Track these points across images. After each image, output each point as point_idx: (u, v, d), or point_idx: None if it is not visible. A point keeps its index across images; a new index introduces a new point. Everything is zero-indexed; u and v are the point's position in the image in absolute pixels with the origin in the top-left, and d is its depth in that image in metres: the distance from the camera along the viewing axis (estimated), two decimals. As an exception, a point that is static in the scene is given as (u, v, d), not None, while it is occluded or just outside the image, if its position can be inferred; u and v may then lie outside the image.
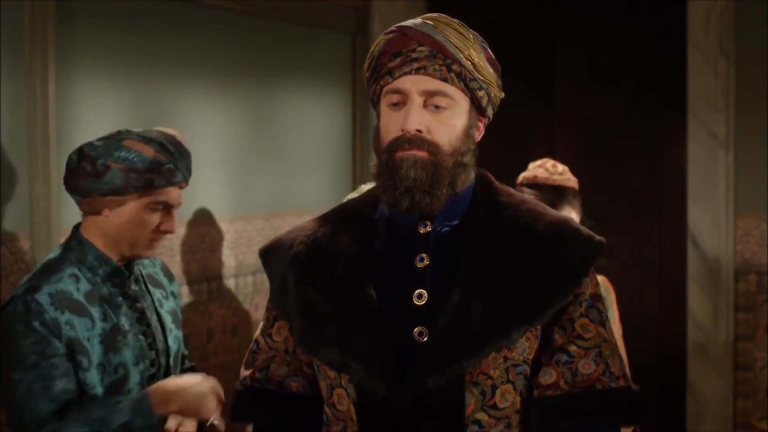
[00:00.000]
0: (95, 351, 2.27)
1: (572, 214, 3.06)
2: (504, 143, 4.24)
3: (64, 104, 3.21)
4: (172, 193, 2.35)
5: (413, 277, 1.80)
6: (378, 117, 1.88)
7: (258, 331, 1.99)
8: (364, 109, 4.66)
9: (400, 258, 1.83)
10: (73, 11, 3.29)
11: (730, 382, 4.27)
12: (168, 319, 2.48)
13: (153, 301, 2.47)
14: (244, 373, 1.97)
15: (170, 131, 2.42)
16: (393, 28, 1.88)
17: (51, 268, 2.31)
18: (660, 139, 4.60)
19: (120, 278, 2.39)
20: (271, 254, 1.95)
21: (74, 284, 2.29)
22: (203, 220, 3.80)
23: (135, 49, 3.51)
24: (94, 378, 2.27)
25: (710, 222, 4.31)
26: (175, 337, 2.49)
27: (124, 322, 2.35)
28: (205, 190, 3.77)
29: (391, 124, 1.81)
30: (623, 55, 4.65)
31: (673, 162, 4.57)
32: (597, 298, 1.83)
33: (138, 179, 2.30)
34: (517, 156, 3.84)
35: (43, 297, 2.23)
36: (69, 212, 3.10)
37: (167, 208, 2.36)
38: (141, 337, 2.38)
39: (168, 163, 2.32)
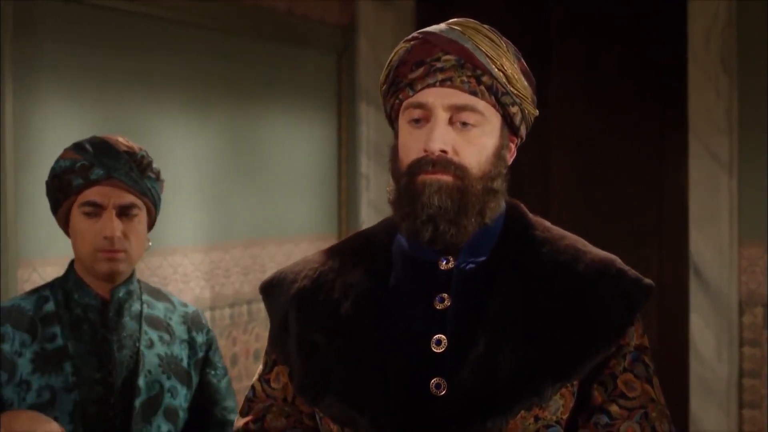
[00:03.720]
0: (23, 368, 2.26)
1: None
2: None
3: (22, 127, 3.10)
4: (96, 192, 2.28)
5: (431, 320, 1.62)
6: (396, 136, 1.70)
7: (255, 376, 1.81)
8: (350, 132, 4.60)
9: (417, 297, 1.65)
10: (35, 25, 3.16)
11: (735, 420, 4.14)
12: (151, 362, 2.35)
13: (139, 339, 2.36)
14: (238, 423, 1.80)
15: (109, 135, 2.39)
16: (415, 34, 1.69)
17: (33, 289, 2.40)
18: (659, 162, 4.48)
19: (93, 304, 2.34)
20: (272, 289, 1.78)
21: (39, 303, 2.33)
22: (176, 249, 3.70)
23: (103, 66, 3.42)
24: (10, 394, 2.24)
25: (713, 250, 4.18)
26: (153, 381, 2.35)
27: (74, 348, 2.30)
28: (178, 217, 3.68)
29: (412, 144, 1.64)
30: (620, 73, 4.55)
31: (674, 186, 4.45)
32: (643, 350, 1.65)
33: (60, 185, 2.30)
34: (510, 181, 3.67)
35: None
36: (28, 242, 3.07)
37: (98, 210, 2.28)
38: (92, 368, 2.30)
39: (81, 161, 2.28)
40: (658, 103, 4.50)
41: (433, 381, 1.58)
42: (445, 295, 1.64)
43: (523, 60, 1.70)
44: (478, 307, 1.61)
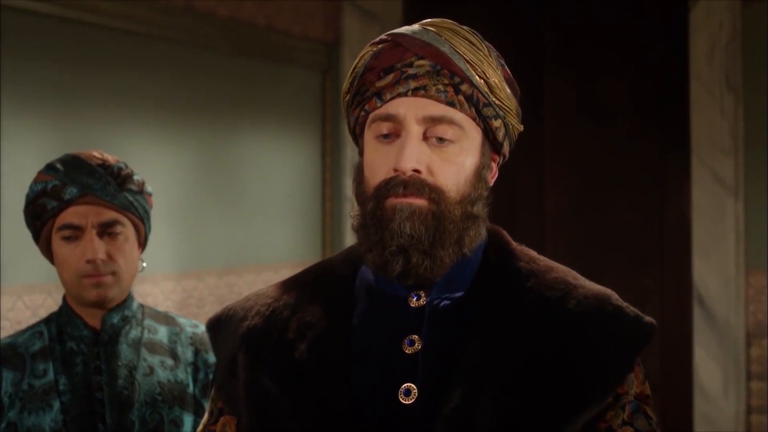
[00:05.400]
0: (13, 408, 2.16)
1: None
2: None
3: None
4: (72, 213, 2.16)
5: (399, 365, 1.45)
6: (361, 152, 1.52)
7: (200, 426, 1.63)
8: (334, 153, 4.51)
9: (383, 339, 1.47)
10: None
11: (742, 459, 4.12)
12: (150, 391, 2.24)
13: (136, 367, 2.25)
14: None
15: (83, 151, 2.28)
16: (383, 36, 1.50)
17: (30, 325, 2.32)
18: (661, 185, 4.41)
19: (84, 335, 2.23)
20: (219, 327, 1.60)
21: (34, 340, 2.24)
22: (145, 277, 3.55)
23: (70, 83, 3.33)
24: None
25: (718, 279, 4.12)
26: (151, 413, 2.22)
27: (65, 384, 2.19)
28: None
29: (380, 162, 1.45)
30: (619, 91, 4.47)
31: (676, 210, 4.38)
32: (645, 399, 1.48)
33: (35, 211, 2.19)
34: (502, 205, 3.60)
35: None
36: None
37: (78, 233, 2.16)
38: (83, 403, 2.19)
39: (53, 182, 2.17)
40: (659, 123, 4.43)
41: None
42: (415, 337, 1.45)
43: (506, 67, 1.52)
44: (453, 351, 1.43)
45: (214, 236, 3.91)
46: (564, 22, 4.53)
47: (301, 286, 1.57)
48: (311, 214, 4.45)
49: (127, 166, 2.25)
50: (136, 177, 2.24)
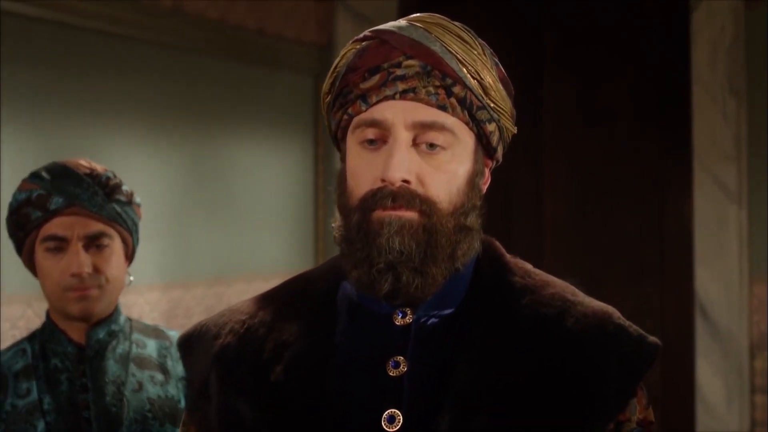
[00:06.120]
0: None
1: None
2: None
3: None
4: (57, 224, 2.11)
5: (383, 389, 1.36)
6: (343, 159, 1.42)
7: None
8: (327, 160, 4.45)
9: (365, 360, 1.38)
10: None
11: (746, 475, 4.06)
12: (140, 408, 2.18)
13: (124, 383, 2.19)
14: None
15: (69, 159, 2.22)
16: (367, 32, 1.39)
17: (13, 342, 2.26)
18: (661, 191, 4.35)
19: (69, 351, 2.17)
20: (191, 345, 1.51)
21: (17, 358, 2.19)
22: (129, 288, 3.42)
23: (53, 87, 3.28)
24: None
25: (721, 288, 4.06)
26: (141, 431, 2.17)
27: (50, 403, 2.13)
28: (131, 252, 3.49)
29: (365, 171, 1.36)
30: (619, 93, 4.41)
31: (677, 217, 4.31)
32: (648, 425, 1.40)
33: (19, 221, 2.14)
34: (498, 209, 3.50)
35: None
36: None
37: (63, 245, 2.11)
38: (69, 423, 2.13)
39: (38, 191, 2.12)
40: (660, 126, 4.38)
41: None
42: (401, 359, 1.36)
43: (500, 65, 1.42)
44: (441, 374, 1.35)
45: (203, 245, 3.85)
46: (564, 22, 4.47)
47: (279, 302, 1.47)
48: (303, 222, 4.40)
49: (115, 176, 2.20)
50: (124, 187, 2.19)
